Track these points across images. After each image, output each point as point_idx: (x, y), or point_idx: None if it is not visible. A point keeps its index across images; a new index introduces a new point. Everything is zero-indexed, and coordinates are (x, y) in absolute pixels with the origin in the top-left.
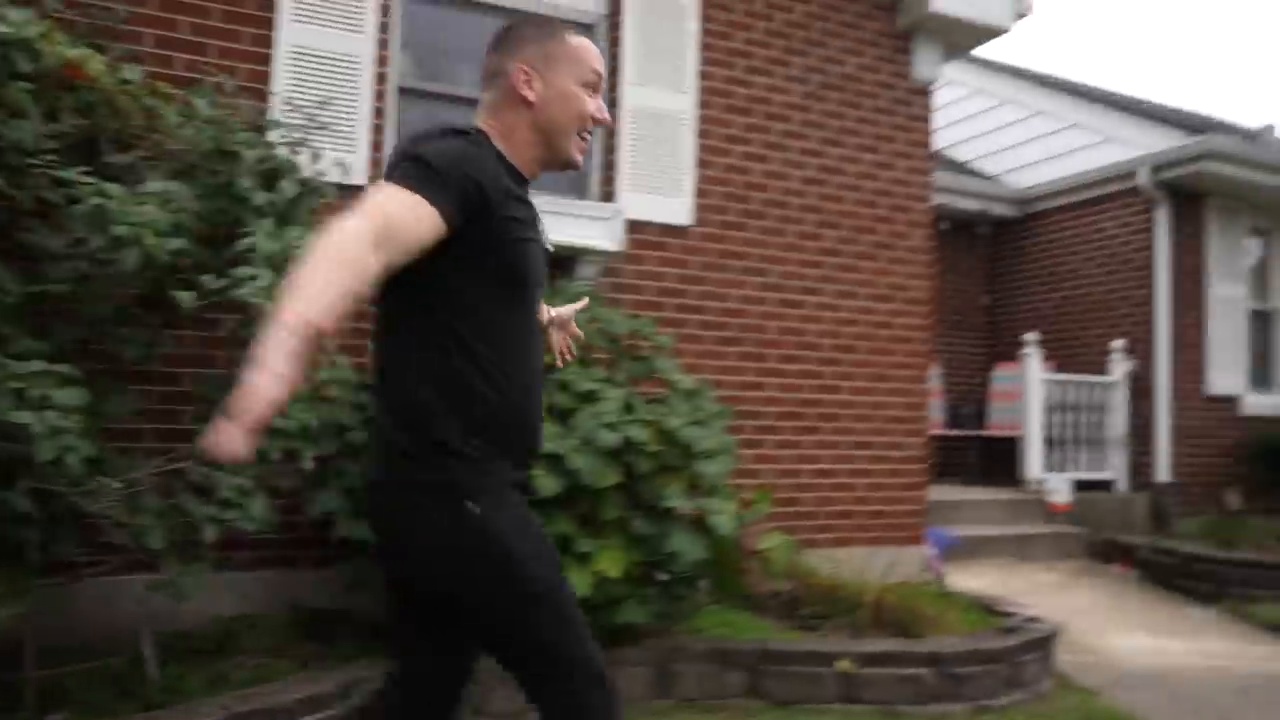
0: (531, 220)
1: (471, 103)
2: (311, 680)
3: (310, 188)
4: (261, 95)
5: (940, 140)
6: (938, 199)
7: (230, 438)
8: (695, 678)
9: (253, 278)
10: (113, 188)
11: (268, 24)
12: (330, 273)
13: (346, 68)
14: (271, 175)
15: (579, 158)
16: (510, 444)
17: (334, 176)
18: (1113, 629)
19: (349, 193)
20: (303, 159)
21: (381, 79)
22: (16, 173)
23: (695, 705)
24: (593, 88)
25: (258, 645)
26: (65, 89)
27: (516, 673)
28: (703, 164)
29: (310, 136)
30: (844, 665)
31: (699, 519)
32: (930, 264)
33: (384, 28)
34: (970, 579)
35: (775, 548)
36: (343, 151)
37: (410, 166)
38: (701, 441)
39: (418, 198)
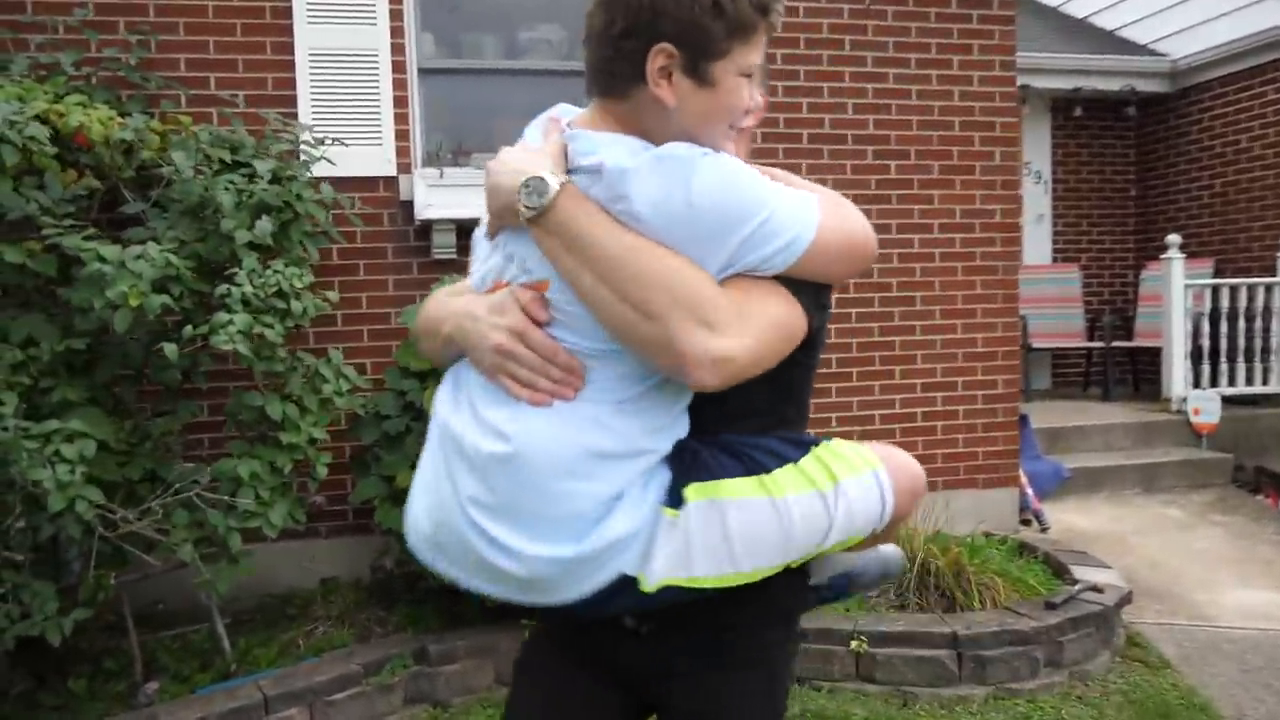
0: None
1: (497, 73)
2: (343, 660)
3: (300, 214)
4: (291, 101)
5: (1080, 8)
6: (1073, 81)
7: None
8: None
9: (228, 323)
10: (109, 251)
11: (287, 30)
12: None
13: (364, 61)
14: (260, 210)
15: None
16: None
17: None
18: (1229, 579)
19: (375, 184)
20: (312, 171)
21: (399, 67)
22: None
23: None
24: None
25: (329, 612)
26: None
27: None
28: None
29: (329, 143)
30: (856, 645)
31: None
32: (1015, 184)
33: (396, 14)
34: (1080, 517)
35: None
36: (370, 145)
37: None
38: None
39: None
